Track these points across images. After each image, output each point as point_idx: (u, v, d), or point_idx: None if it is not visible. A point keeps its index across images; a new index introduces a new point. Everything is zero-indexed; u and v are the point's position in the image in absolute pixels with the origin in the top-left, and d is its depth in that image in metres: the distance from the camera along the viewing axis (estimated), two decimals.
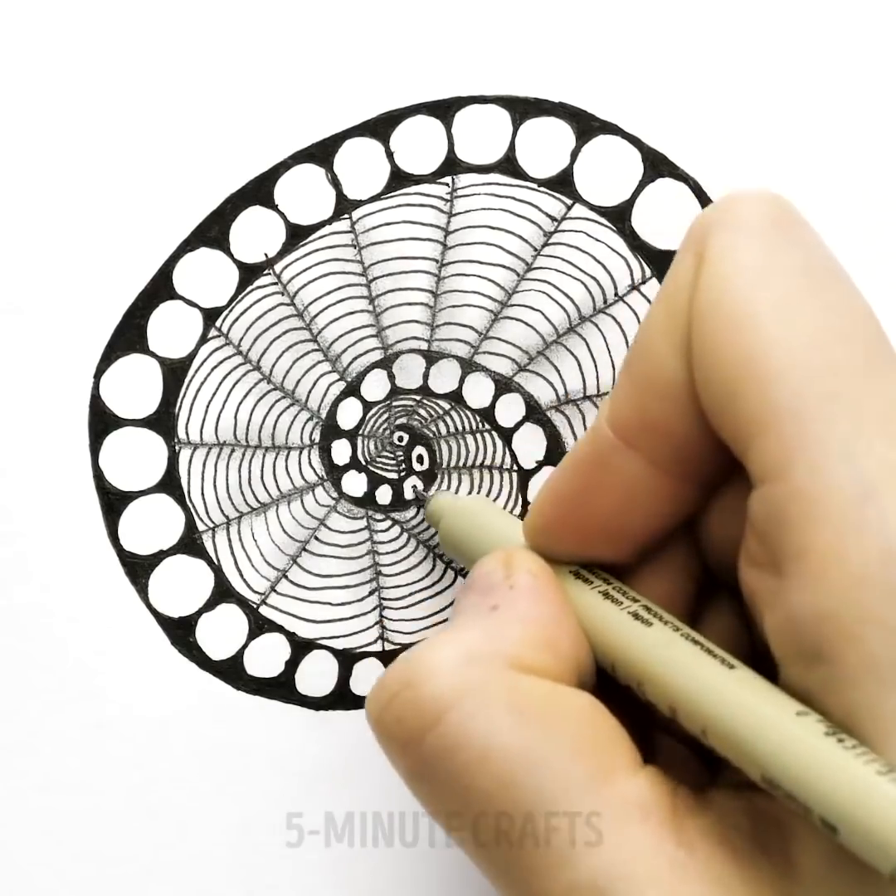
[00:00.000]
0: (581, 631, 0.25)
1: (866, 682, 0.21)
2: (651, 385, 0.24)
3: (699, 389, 0.23)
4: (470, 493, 0.33)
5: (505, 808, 0.23)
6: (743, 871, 0.22)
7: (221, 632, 0.32)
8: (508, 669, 0.24)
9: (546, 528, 0.26)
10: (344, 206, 0.33)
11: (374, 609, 0.33)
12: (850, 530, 0.21)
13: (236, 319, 0.33)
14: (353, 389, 0.33)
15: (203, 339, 0.33)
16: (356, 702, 0.33)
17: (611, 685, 0.25)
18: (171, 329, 0.33)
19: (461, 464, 0.33)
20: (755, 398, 0.22)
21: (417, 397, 0.33)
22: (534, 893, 0.23)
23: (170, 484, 0.33)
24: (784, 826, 0.22)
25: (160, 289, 0.33)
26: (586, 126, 0.33)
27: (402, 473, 0.33)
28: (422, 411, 0.33)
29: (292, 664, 0.33)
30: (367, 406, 0.33)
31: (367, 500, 0.33)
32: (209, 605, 0.32)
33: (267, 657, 0.32)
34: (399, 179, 0.33)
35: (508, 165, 0.33)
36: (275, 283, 0.33)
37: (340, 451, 0.33)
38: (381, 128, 0.33)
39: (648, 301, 0.33)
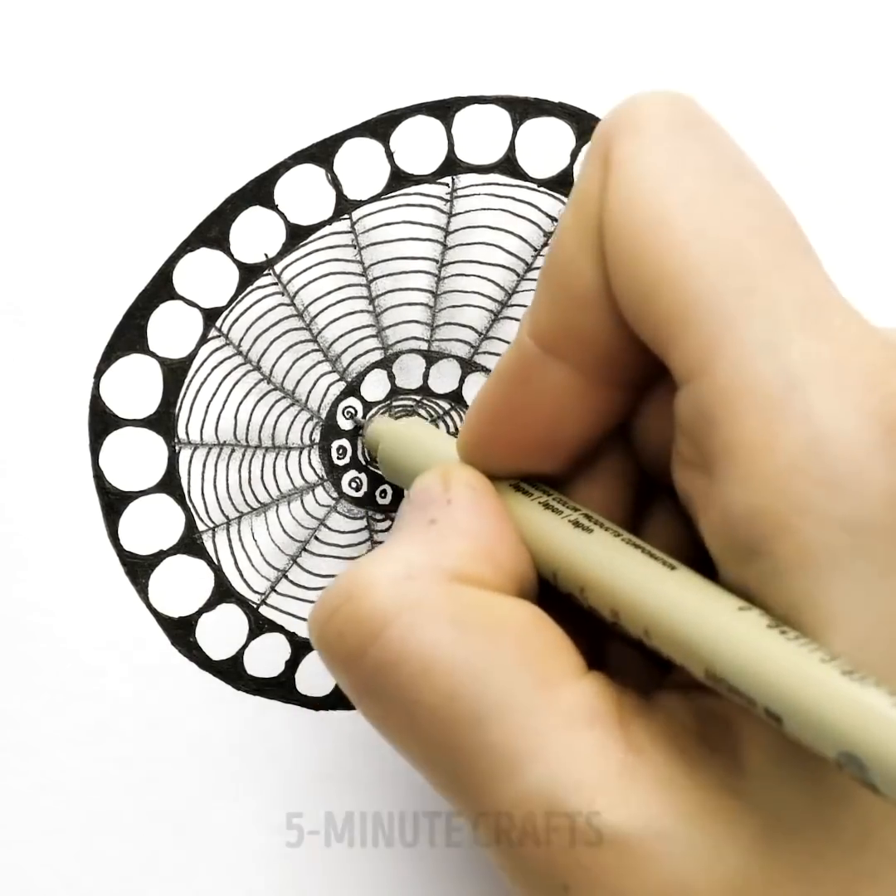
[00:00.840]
0: (521, 542, 0.25)
1: (803, 573, 0.21)
2: (568, 293, 0.24)
3: (616, 294, 0.23)
4: None
5: (450, 721, 0.22)
6: (691, 771, 0.22)
7: (221, 632, 0.32)
8: (449, 582, 0.24)
9: (478, 443, 0.26)
10: (344, 206, 0.33)
11: None
12: (775, 422, 0.21)
13: (236, 319, 0.33)
14: (353, 389, 0.33)
15: (203, 339, 0.33)
16: None
17: (554, 595, 0.25)
18: (171, 329, 0.33)
19: None
20: (671, 298, 0.22)
21: (417, 397, 0.33)
22: (483, 804, 0.23)
23: (170, 484, 0.33)
24: (730, 724, 0.22)
25: (160, 289, 0.33)
26: (586, 126, 0.33)
27: None
28: (422, 411, 0.33)
29: (292, 664, 0.33)
30: (368, 406, 0.33)
31: (367, 500, 0.33)
32: (209, 605, 0.32)
33: (267, 657, 0.32)
34: (399, 179, 0.33)
35: (508, 165, 0.33)
36: (275, 283, 0.33)
37: (340, 451, 0.33)
38: (381, 128, 0.33)
39: None
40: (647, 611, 0.23)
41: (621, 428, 0.26)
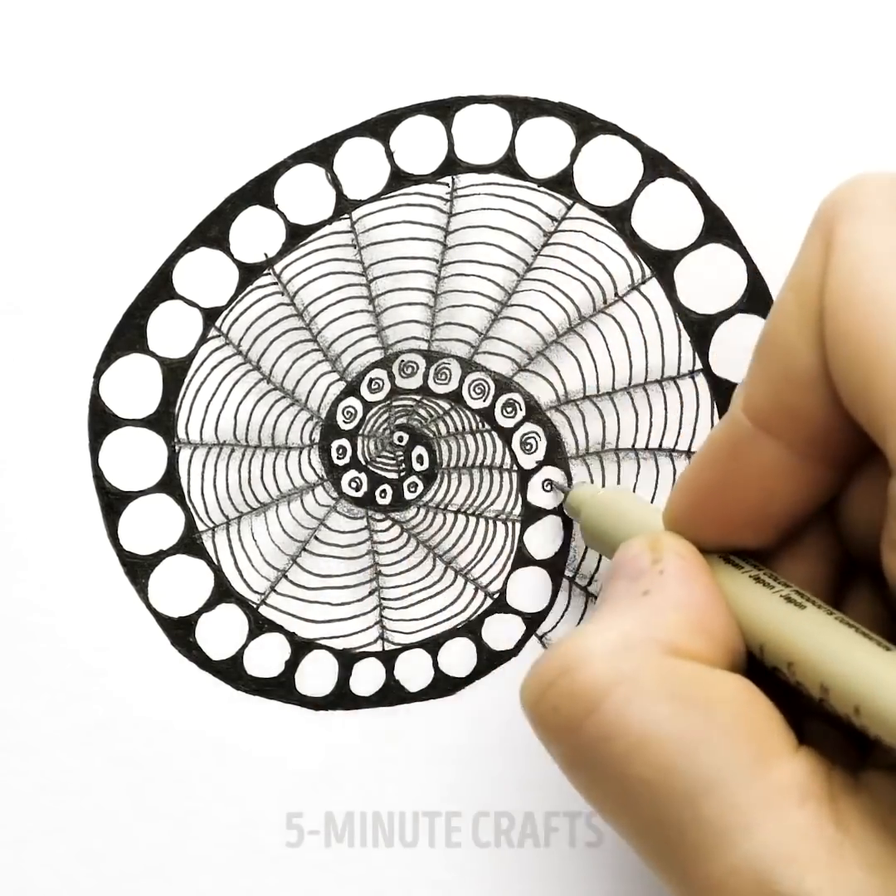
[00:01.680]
0: (731, 615, 0.25)
1: None
2: (785, 373, 0.24)
3: (834, 377, 0.23)
4: (471, 497, 0.33)
5: (664, 795, 0.23)
6: None
7: (221, 632, 0.32)
8: (664, 655, 0.24)
9: (686, 515, 0.26)
10: (344, 205, 0.33)
11: (374, 609, 0.33)
12: None
13: (236, 319, 0.33)
14: (353, 389, 0.33)
15: (203, 339, 0.33)
16: (356, 702, 0.33)
17: (757, 670, 0.25)
18: (171, 329, 0.33)
19: (461, 464, 0.33)
20: (891, 385, 0.22)
21: (417, 397, 0.33)
22: (693, 878, 0.23)
23: (170, 484, 0.33)
24: None
25: (160, 289, 0.33)
26: (586, 126, 0.33)
27: (402, 473, 0.33)
28: (422, 411, 0.33)
29: (292, 664, 0.33)
30: (368, 406, 0.33)
31: (367, 500, 0.33)
32: (209, 605, 0.32)
33: (267, 657, 0.32)
34: (399, 179, 0.33)
35: (508, 165, 0.33)
36: (275, 283, 0.33)
37: (340, 451, 0.33)
38: (381, 128, 0.33)
39: (648, 301, 0.33)
40: (860, 689, 0.23)
41: (828, 505, 0.26)
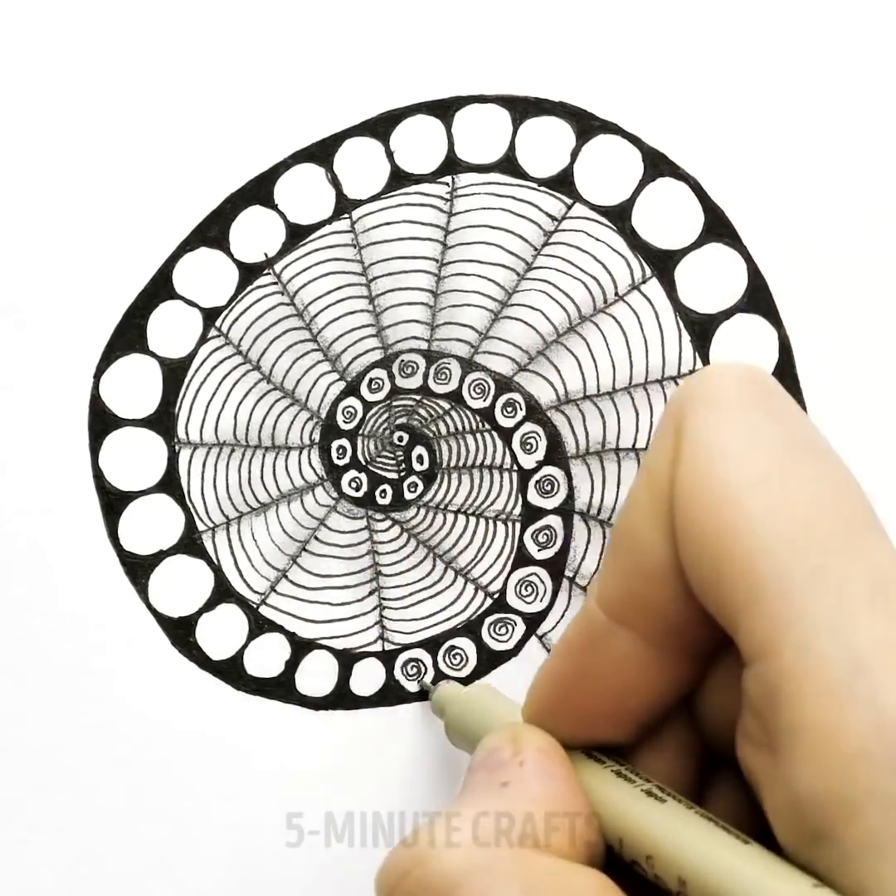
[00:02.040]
0: (590, 809, 0.25)
1: (871, 859, 0.21)
2: (637, 566, 0.24)
3: (685, 568, 0.23)
4: (471, 497, 0.33)
5: None
6: None
7: (221, 632, 0.32)
8: (519, 848, 0.24)
9: (545, 710, 0.26)
10: (344, 205, 0.33)
11: (374, 609, 0.33)
12: (841, 707, 0.21)
13: (236, 319, 0.33)
14: (352, 389, 0.33)
15: (203, 339, 0.33)
16: (356, 702, 0.33)
17: (613, 863, 0.25)
18: (171, 329, 0.33)
19: (461, 464, 0.33)
20: (740, 577, 0.22)
21: (417, 397, 0.33)
22: None
23: (170, 484, 0.33)
24: None
25: (160, 289, 0.33)
26: (586, 126, 0.33)
27: (402, 473, 0.33)
28: (422, 411, 0.33)
29: (292, 664, 0.33)
30: (368, 406, 0.33)
31: (367, 500, 0.33)
32: (209, 605, 0.32)
33: (267, 657, 0.32)
34: (399, 179, 0.33)
35: (508, 165, 0.33)
36: (275, 283, 0.33)
37: (340, 451, 0.33)
38: (381, 128, 0.33)
39: (648, 301, 0.33)
40: (719, 882, 0.22)
41: (686, 700, 0.26)
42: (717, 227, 0.33)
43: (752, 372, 0.24)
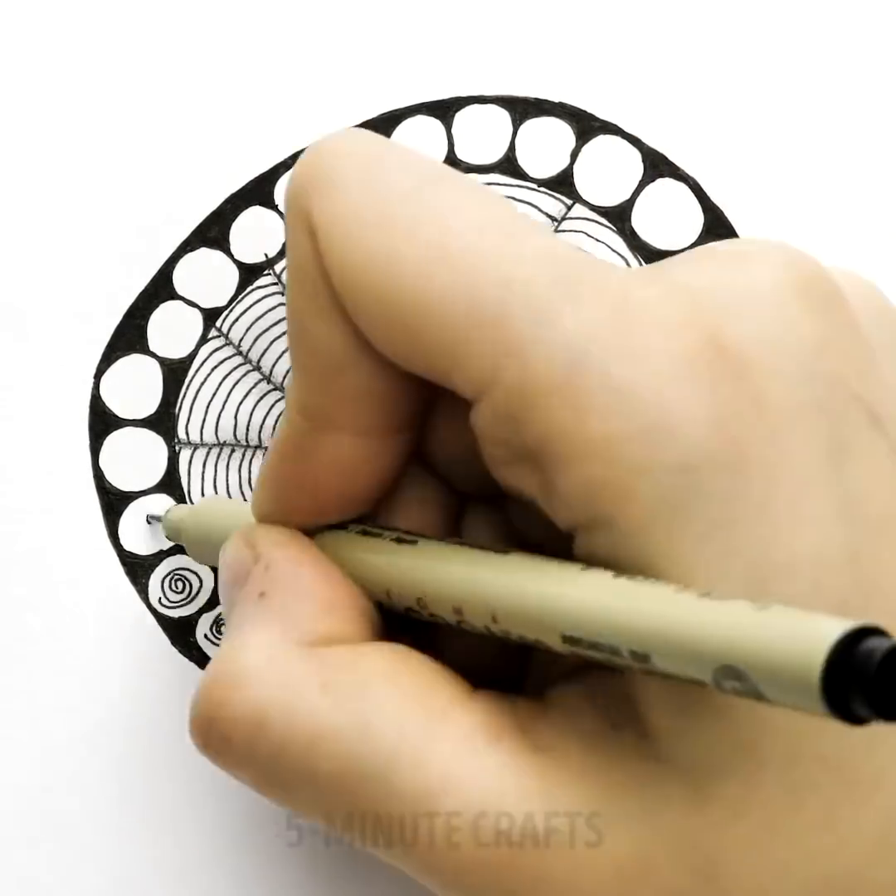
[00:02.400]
0: (350, 579, 0.25)
1: (650, 530, 0.21)
2: (325, 368, 0.23)
3: (378, 347, 0.23)
4: None
5: (356, 784, 0.22)
6: (605, 753, 0.22)
7: (221, 631, 0.32)
8: (306, 649, 0.23)
9: (272, 510, 0.26)
10: None
11: None
12: (576, 399, 0.21)
13: (236, 319, 0.33)
14: None
15: (203, 339, 0.33)
16: None
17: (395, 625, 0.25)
18: (171, 329, 0.33)
19: None
20: (432, 327, 0.22)
21: None
22: (414, 852, 0.22)
23: (170, 484, 0.33)
24: (625, 697, 0.22)
25: (160, 289, 0.33)
26: (586, 126, 0.33)
27: None
28: None
29: None
30: None
31: None
32: (209, 605, 0.32)
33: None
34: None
35: (508, 165, 0.33)
36: (275, 283, 0.33)
37: None
38: (380, 128, 0.33)
39: None
40: (489, 594, 0.22)
41: (418, 455, 0.25)
42: (717, 228, 0.33)
43: (356, 135, 0.24)
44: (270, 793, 0.24)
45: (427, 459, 0.26)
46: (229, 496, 0.33)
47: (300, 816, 0.25)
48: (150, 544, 0.32)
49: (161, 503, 0.32)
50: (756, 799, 0.21)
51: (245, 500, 0.33)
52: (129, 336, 0.32)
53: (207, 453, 0.33)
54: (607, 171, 0.33)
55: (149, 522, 0.32)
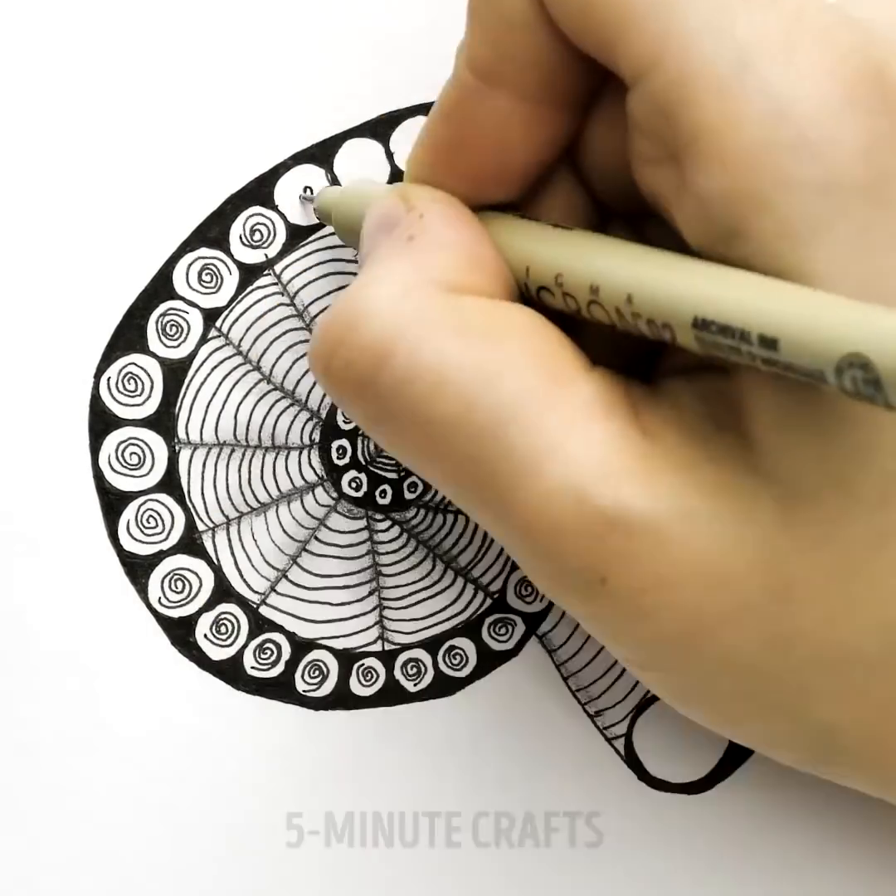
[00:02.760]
0: (497, 248, 0.25)
1: (786, 245, 0.21)
2: (501, 20, 0.24)
3: (551, 8, 0.23)
4: None
5: (469, 430, 0.22)
6: (706, 451, 0.22)
7: (221, 632, 0.32)
8: (445, 293, 0.23)
9: (428, 173, 0.26)
10: None
11: (374, 609, 0.33)
12: (735, 100, 0.21)
13: (236, 319, 0.33)
14: None
15: (203, 340, 0.33)
16: (356, 702, 0.33)
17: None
18: (172, 329, 0.33)
19: None
20: (610, 2, 0.22)
21: None
22: (512, 510, 0.22)
23: (170, 484, 0.33)
24: (734, 400, 0.22)
25: (160, 289, 0.33)
26: None
27: (402, 473, 0.33)
28: None
29: (292, 664, 0.33)
30: None
31: (367, 500, 0.33)
32: (209, 605, 0.33)
33: (267, 657, 0.32)
34: (399, 180, 0.33)
35: None
36: (275, 283, 0.33)
37: (340, 451, 0.33)
38: (381, 128, 0.33)
39: None
40: (628, 273, 0.22)
41: (570, 158, 0.26)
42: None
43: None
44: (379, 429, 0.24)
45: (577, 168, 0.26)
46: (229, 496, 0.33)
47: (402, 459, 0.24)
48: (150, 544, 0.32)
49: (162, 503, 0.32)
50: (843, 533, 0.21)
51: (246, 500, 0.33)
52: (129, 336, 0.32)
53: (207, 453, 0.33)
54: None
55: (302, 202, 0.32)
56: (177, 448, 0.33)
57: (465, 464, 0.23)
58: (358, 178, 0.32)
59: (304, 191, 0.32)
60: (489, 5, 0.24)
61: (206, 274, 0.32)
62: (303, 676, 0.33)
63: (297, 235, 0.33)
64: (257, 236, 0.32)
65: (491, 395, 0.22)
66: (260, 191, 0.33)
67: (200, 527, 0.33)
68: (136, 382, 0.32)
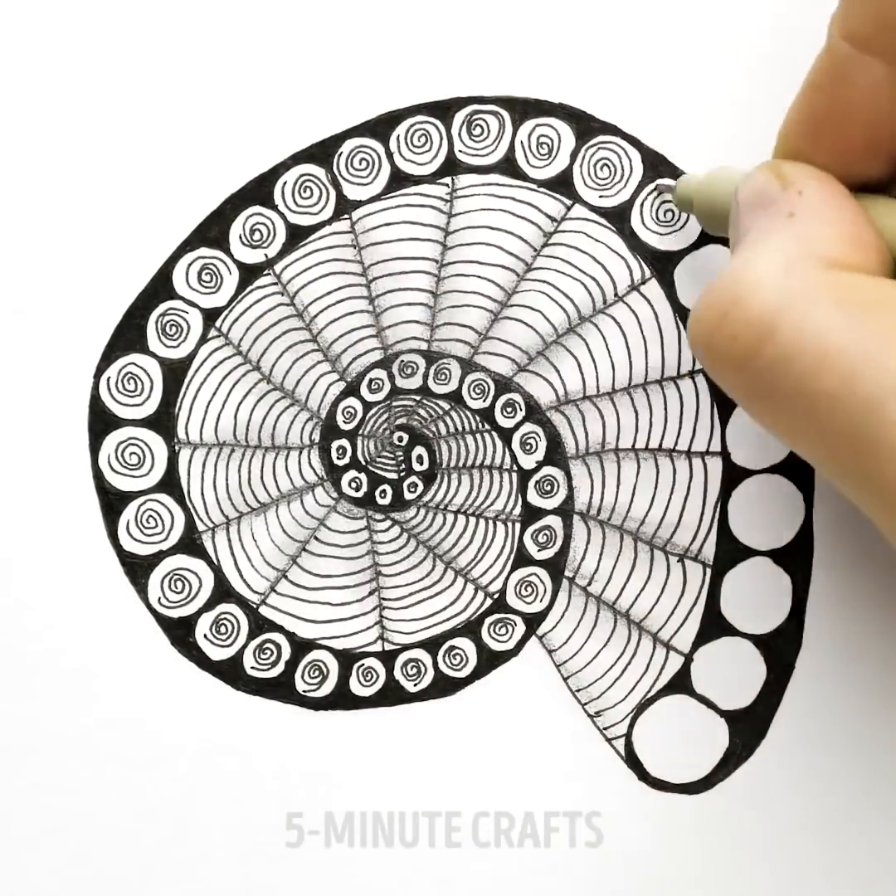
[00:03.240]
0: (875, 227, 0.25)
1: None
2: None
3: None
4: (471, 497, 0.33)
5: (850, 403, 0.22)
6: None
7: (221, 632, 0.32)
8: (827, 269, 0.23)
9: (799, 146, 0.26)
10: (344, 206, 0.33)
11: (374, 609, 0.33)
12: None
13: (236, 319, 0.33)
14: (352, 389, 0.33)
15: (203, 339, 0.33)
16: (356, 702, 0.33)
17: None
18: (171, 329, 0.33)
19: (461, 464, 0.33)
20: None
21: (417, 397, 0.33)
22: (887, 481, 0.22)
23: (169, 484, 0.33)
24: None
25: (160, 289, 0.33)
26: (586, 126, 0.33)
27: (402, 474, 0.33)
28: (422, 411, 0.33)
29: (292, 664, 0.33)
30: (367, 406, 0.33)
31: (367, 500, 0.33)
32: (209, 605, 0.32)
33: (267, 657, 0.32)
34: (399, 180, 0.33)
35: (508, 166, 0.33)
36: (275, 283, 0.33)
37: (340, 451, 0.33)
38: (381, 128, 0.33)
39: (648, 301, 0.33)
40: None
41: None
42: None
43: None
44: (758, 404, 0.24)
45: None
46: (229, 496, 0.33)
47: (776, 432, 0.24)
48: (150, 544, 0.32)
49: (161, 503, 0.32)
50: None
51: (246, 500, 0.33)
52: (129, 336, 0.32)
53: (207, 453, 0.33)
54: (607, 171, 0.33)
55: (659, 192, 0.32)
56: (177, 448, 0.33)
57: (843, 438, 0.23)
58: (720, 167, 0.32)
59: (658, 183, 0.32)
60: None
61: (206, 274, 0.32)
62: (303, 676, 0.33)
63: (296, 235, 0.33)
64: (257, 236, 0.32)
65: (874, 368, 0.22)
66: (260, 190, 0.33)
67: (200, 527, 0.33)
68: (135, 382, 0.32)
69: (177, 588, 0.32)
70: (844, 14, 0.25)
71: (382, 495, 0.33)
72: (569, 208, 0.33)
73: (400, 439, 0.33)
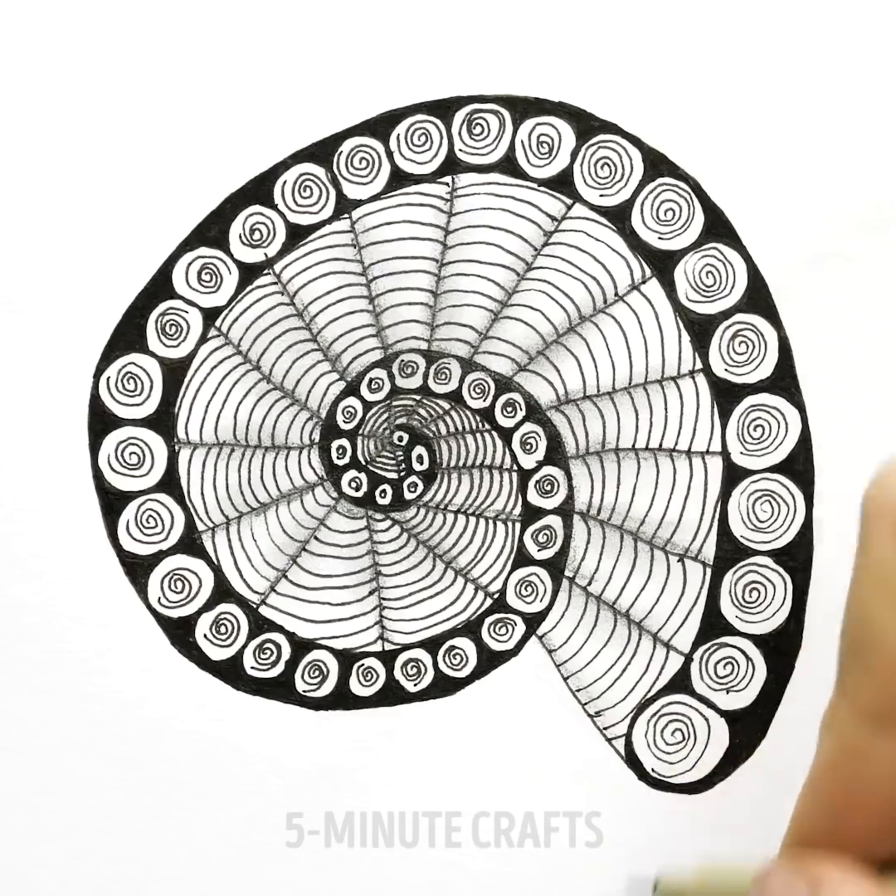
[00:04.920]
0: None
1: None
2: (893, 664, 0.23)
3: None
4: (471, 497, 0.33)
5: None
6: None
7: (221, 632, 0.32)
8: None
9: (815, 839, 0.24)
10: (344, 205, 0.33)
11: (374, 609, 0.33)
12: None
13: (236, 319, 0.33)
14: (352, 389, 0.33)
15: (203, 339, 0.33)
16: (356, 702, 0.33)
17: None
18: (171, 329, 0.33)
19: (461, 464, 0.33)
20: None
21: (417, 397, 0.33)
22: None
23: (169, 484, 0.33)
24: None
25: (160, 288, 0.33)
26: (586, 126, 0.33)
27: (402, 473, 0.33)
28: (422, 411, 0.33)
29: (292, 664, 0.33)
30: (368, 406, 0.33)
31: (367, 500, 0.33)
32: (209, 605, 0.32)
33: (267, 657, 0.32)
34: (399, 179, 0.33)
35: (508, 165, 0.33)
36: (275, 283, 0.33)
37: (340, 451, 0.33)
38: (381, 127, 0.33)
39: (648, 301, 0.33)
40: None
41: None
42: (717, 228, 0.33)
43: None
44: None
45: None
46: (229, 496, 0.33)
47: None
48: (150, 544, 0.32)
49: (161, 503, 0.32)
50: None
51: (246, 500, 0.33)
52: (129, 336, 0.32)
53: (207, 453, 0.33)
54: (607, 170, 0.33)
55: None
56: (176, 448, 0.33)
57: None
58: (706, 864, 0.29)
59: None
60: (879, 652, 0.23)
61: (206, 273, 0.32)
62: (303, 676, 0.33)
63: (296, 234, 0.33)
64: (257, 235, 0.32)
65: None
66: (259, 190, 0.33)
67: (200, 527, 0.33)
68: (135, 382, 0.32)
69: (177, 588, 0.32)
70: (853, 695, 0.23)
71: (382, 495, 0.33)
72: (569, 207, 0.33)
73: (400, 439, 0.33)
